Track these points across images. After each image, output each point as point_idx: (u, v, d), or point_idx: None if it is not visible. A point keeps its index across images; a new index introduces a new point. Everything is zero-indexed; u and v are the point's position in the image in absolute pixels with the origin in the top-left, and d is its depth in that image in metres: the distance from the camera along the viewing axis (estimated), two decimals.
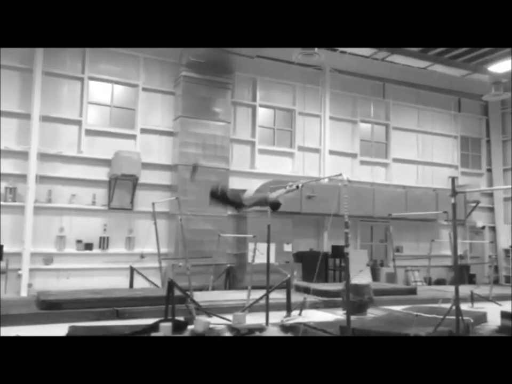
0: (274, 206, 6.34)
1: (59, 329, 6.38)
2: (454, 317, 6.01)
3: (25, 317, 7.29)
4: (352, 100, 15.17)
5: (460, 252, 13.98)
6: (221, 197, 6.14)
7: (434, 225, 15.38)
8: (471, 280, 14.93)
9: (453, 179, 6.55)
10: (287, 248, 12.77)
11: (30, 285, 10.58)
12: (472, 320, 6.89)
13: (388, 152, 15.69)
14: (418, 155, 16.09)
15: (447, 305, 6.64)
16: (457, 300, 6.00)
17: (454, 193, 6.29)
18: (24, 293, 10.41)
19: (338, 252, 12.56)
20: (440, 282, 14.58)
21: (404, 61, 13.64)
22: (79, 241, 11.38)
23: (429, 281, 14.00)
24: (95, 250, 11.50)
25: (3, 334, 5.65)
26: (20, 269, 10.57)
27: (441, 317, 6.26)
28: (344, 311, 7.76)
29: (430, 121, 16.34)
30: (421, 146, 16.18)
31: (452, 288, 6.29)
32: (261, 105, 13.91)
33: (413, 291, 11.18)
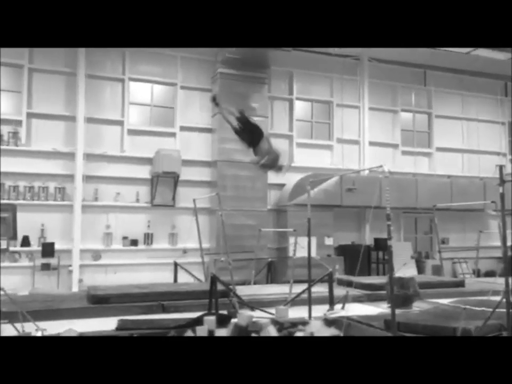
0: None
1: (109, 323, 6.62)
2: (504, 310, 5.79)
3: (77, 311, 7.60)
4: (392, 89, 14.80)
5: (510, 243, 13.38)
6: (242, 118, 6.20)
7: (482, 216, 14.81)
8: None
9: (501, 167, 6.27)
10: (328, 241, 12.66)
11: (80, 280, 11.05)
12: None
13: (430, 141, 15.23)
14: (463, 143, 15.52)
15: (497, 298, 6.40)
16: (507, 292, 5.77)
17: (502, 182, 6.03)
18: (75, 288, 10.89)
19: (381, 245, 12.34)
20: (489, 274, 14.03)
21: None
22: (125, 238, 11.76)
23: (477, 273, 13.52)
24: (140, 246, 11.86)
25: (58, 328, 5.92)
26: (70, 265, 11.06)
27: (491, 310, 6.04)
28: (389, 305, 7.63)
29: (475, 107, 15.70)
30: (466, 134, 15.60)
31: (502, 280, 6.05)
32: (298, 99, 13.82)
33: (460, 284, 10.82)
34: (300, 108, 13.95)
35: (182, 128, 12.53)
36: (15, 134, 11.06)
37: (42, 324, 6.11)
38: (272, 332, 6.30)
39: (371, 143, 14.26)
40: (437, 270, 13.01)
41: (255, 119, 6.56)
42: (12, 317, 6.18)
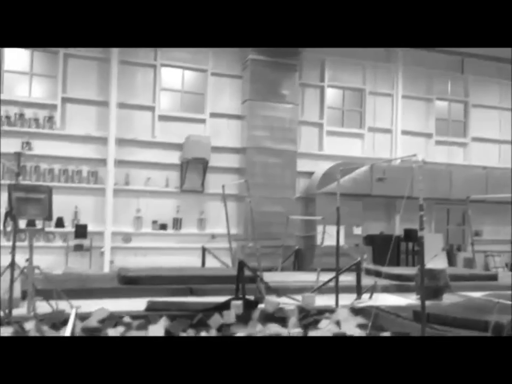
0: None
1: (138, 303, 6.78)
2: None
3: (108, 291, 7.84)
4: (427, 76, 14.39)
5: None
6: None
7: None
8: None
9: None
10: (357, 231, 12.53)
11: (111, 262, 11.33)
12: None
13: (466, 131, 14.78)
14: (500, 133, 14.99)
15: None
16: None
17: None
18: (106, 269, 11.18)
19: (411, 236, 12.13)
20: None
21: None
22: (154, 222, 11.96)
23: (511, 267, 13.15)
24: (169, 231, 12.04)
25: (89, 307, 6.09)
26: (102, 247, 11.35)
27: None
28: (418, 296, 7.51)
29: None
30: (503, 123, 15.04)
31: None
32: (329, 86, 13.61)
33: (493, 277, 10.56)
34: (331, 95, 13.75)
35: (212, 115, 12.56)
36: (50, 118, 11.36)
37: (75, 302, 6.32)
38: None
39: (404, 132, 13.95)
40: (469, 262, 12.72)
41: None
42: (46, 294, 6.41)
